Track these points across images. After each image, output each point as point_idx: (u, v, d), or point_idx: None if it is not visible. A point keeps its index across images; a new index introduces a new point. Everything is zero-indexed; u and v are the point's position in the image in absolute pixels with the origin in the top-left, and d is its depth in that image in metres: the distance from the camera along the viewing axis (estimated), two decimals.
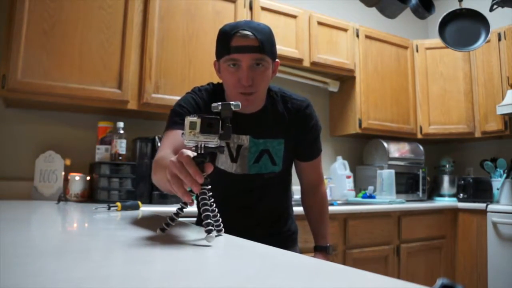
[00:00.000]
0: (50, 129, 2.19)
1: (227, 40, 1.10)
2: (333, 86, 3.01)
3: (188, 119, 0.76)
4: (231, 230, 0.96)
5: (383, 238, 2.43)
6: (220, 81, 1.24)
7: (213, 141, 0.77)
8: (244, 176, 1.25)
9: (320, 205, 1.40)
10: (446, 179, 3.22)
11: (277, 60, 1.21)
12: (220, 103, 0.82)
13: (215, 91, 1.26)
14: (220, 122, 0.77)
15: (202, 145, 0.78)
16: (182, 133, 0.77)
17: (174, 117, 1.18)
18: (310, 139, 1.31)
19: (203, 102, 1.22)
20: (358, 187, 3.10)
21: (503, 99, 2.79)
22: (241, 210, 1.27)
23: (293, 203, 1.44)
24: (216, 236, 0.87)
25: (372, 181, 2.95)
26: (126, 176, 2.02)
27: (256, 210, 1.29)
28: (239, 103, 0.82)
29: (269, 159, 1.25)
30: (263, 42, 1.10)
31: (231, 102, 0.81)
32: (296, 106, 1.27)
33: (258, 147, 1.24)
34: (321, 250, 1.36)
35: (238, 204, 1.28)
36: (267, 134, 1.24)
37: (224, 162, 1.24)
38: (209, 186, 0.81)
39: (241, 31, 1.09)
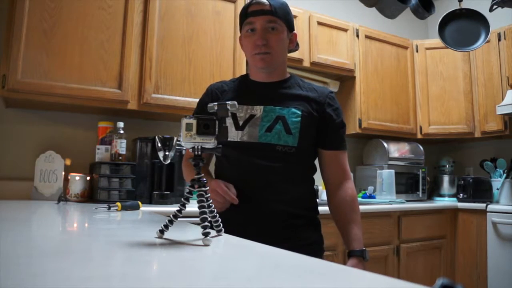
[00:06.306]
0: (50, 129, 2.19)
1: (246, 9, 1.23)
2: (333, 86, 3.00)
3: (184, 121, 0.76)
4: (237, 221, 1.04)
5: (383, 238, 2.43)
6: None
7: (209, 142, 0.77)
8: (253, 145, 1.18)
9: (350, 201, 1.24)
10: (446, 179, 3.22)
11: (294, 32, 1.28)
12: (216, 103, 0.82)
13: (239, 78, 1.36)
14: (217, 122, 0.77)
15: (199, 147, 0.78)
16: (179, 135, 0.77)
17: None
18: (333, 124, 1.25)
19: (217, 87, 1.31)
20: (358, 187, 3.10)
21: (503, 99, 2.79)
22: (250, 200, 1.16)
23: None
24: (215, 236, 0.87)
25: (372, 181, 2.95)
26: (126, 176, 2.02)
27: (268, 199, 1.17)
28: (235, 102, 0.81)
29: (283, 126, 1.18)
30: (276, 7, 1.20)
31: (227, 102, 0.81)
32: (320, 88, 1.31)
33: (272, 116, 1.19)
34: (356, 256, 1.19)
35: (248, 189, 1.17)
36: (284, 102, 1.22)
37: (229, 132, 1.19)
38: (207, 188, 0.81)
39: (257, 0, 1.22)
